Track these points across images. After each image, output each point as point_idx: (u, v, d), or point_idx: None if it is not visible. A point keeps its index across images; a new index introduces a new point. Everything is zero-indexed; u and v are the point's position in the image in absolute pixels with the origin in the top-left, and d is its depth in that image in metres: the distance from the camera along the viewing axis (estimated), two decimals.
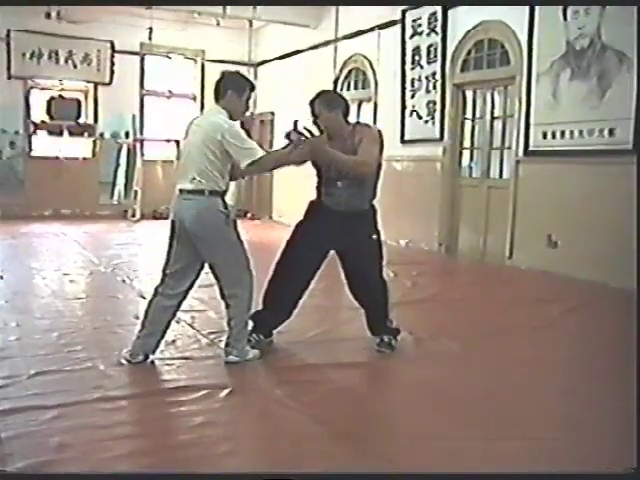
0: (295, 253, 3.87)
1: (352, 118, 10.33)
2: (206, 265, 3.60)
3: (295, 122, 3.58)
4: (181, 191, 3.52)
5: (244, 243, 3.61)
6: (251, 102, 3.72)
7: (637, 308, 4.68)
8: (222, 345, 3.73)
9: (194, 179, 3.46)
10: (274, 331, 4.00)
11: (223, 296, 3.61)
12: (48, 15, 10.61)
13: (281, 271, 3.89)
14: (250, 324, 3.77)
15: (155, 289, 3.64)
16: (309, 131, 3.61)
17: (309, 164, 3.88)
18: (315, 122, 3.82)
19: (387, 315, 4.01)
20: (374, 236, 3.94)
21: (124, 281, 5.95)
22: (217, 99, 3.56)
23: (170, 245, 3.58)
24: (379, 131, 3.97)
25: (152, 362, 3.61)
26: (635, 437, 2.47)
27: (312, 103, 3.81)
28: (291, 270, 3.87)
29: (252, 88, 3.63)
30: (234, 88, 3.53)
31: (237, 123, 3.49)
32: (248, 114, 11.34)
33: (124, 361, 3.56)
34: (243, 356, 3.61)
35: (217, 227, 3.48)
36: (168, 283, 3.58)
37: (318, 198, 3.95)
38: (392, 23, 8.81)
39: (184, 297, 3.65)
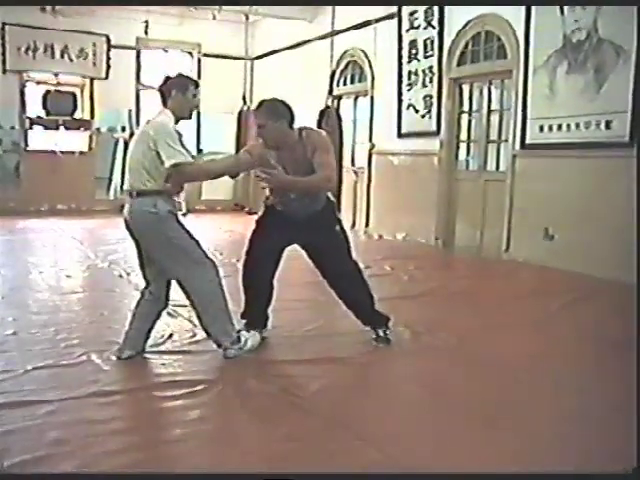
0: (256, 252, 3.84)
1: (349, 112, 10.34)
2: None
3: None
4: (127, 191, 3.54)
5: (194, 236, 3.55)
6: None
7: (637, 302, 4.66)
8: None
9: (134, 179, 3.48)
10: (267, 325, 4.01)
11: (184, 291, 3.59)
12: (43, 9, 10.56)
13: (247, 270, 3.88)
14: (238, 324, 3.79)
15: (141, 291, 3.70)
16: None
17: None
18: (259, 134, 3.69)
19: (373, 300, 4.02)
20: (337, 227, 3.92)
21: (120, 276, 5.94)
22: (165, 103, 3.53)
23: (136, 247, 3.64)
24: (326, 135, 3.91)
25: (148, 357, 3.62)
26: (635, 436, 2.46)
27: (255, 112, 3.70)
28: (255, 269, 3.85)
29: (196, 85, 3.59)
30: (177, 87, 3.52)
31: (171, 125, 3.42)
32: (245, 108, 11.36)
33: (114, 357, 3.56)
34: (243, 348, 3.61)
35: (149, 227, 3.46)
36: (150, 284, 3.63)
37: (270, 201, 3.87)
38: (389, 17, 8.78)
39: (166, 296, 3.66)
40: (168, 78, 3.59)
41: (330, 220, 3.93)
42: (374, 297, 4.04)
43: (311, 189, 3.74)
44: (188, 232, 3.56)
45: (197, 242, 3.56)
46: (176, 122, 3.51)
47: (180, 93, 3.51)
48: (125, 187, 3.55)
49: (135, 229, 3.52)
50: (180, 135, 3.46)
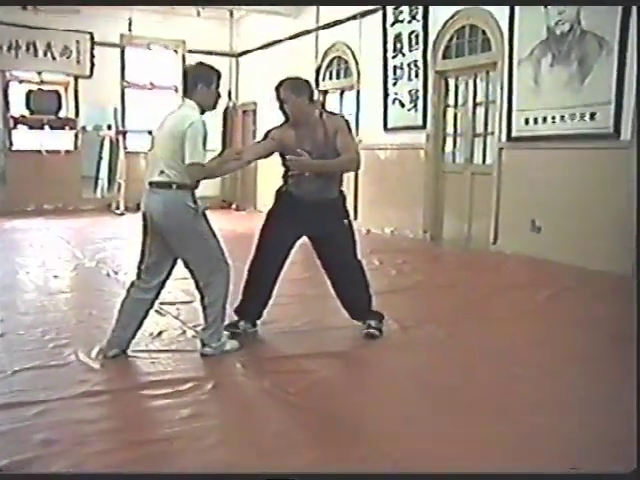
0: (267, 245, 3.88)
1: (335, 107, 10.33)
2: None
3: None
4: (150, 184, 3.49)
5: (217, 235, 3.58)
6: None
7: (637, 295, 4.69)
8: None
9: (162, 172, 3.43)
10: (258, 321, 4.02)
11: (198, 288, 3.59)
12: (25, 7, 10.45)
13: (256, 262, 3.91)
14: (228, 318, 3.77)
15: (131, 283, 3.64)
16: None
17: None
18: (281, 108, 3.79)
19: (370, 298, 4.03)
20: (345, 221, 3.96)
21: (109, 275, 5.92)
22: (187, 94, 3.53)
23: (143, 238, 3.57)
24: (347, 120, 3.98)
25: (137, 355, 3.60)
26: (635, 436, 2.47)
27: (278, 89, 3.79)
28: (264, 262, 3.89)
29: (219, 76, 3.59)
30: (203, 80, 3.50)
31: (201, 123, 3.41)
32: (231, 104, 11.34)
33: (100, 356, 3.53)
34: (220, 348, 3.59)
35: (185, 221, 3.45)
36: (143, 277, 3.57)
37: (284, 187, 3.92)
38: (373, 11, 8.78)
39: (159, 291, 3.64)
40: (191, 69, 3.60)
41: (340, 212, 3.96)
42: (372, 297, 4.05)
43: (339, 170, 3.90)
44: (213, 231, 3.58)
45: (219, 242, 3.59)
46: (201, 113, 3.50)
47: (206, 87, 3.51)
48: (154, 179, 3.46)
49: (166, 221, 3.44)
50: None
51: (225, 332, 3.73)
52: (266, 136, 3.89)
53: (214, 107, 3.60)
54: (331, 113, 4.01)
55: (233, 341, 3.73)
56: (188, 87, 3.52)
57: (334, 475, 2.36)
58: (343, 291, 4.03)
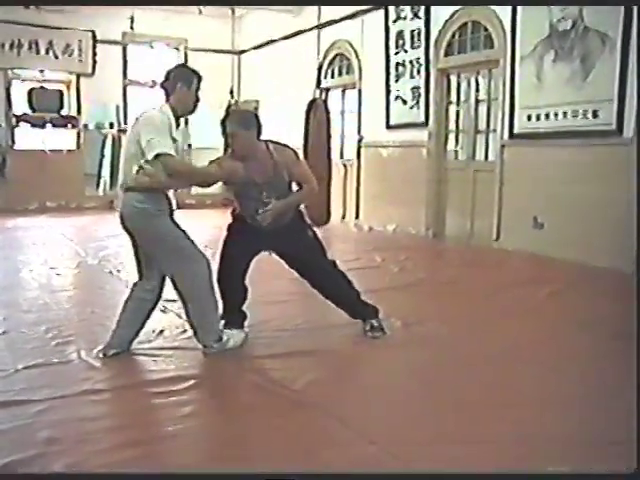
0: (229, 258, 3.83)
1: (337, 104, 10.32)
2: None
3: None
4: (121, 186, 3.51)
5: (185, 233, 3.54)
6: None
7: (637, 293, 4.68)
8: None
9: (121, 175, 3.48)
10: (245, 323, 3.97)
11: (175, 288, 3.58)
12: (27, 5, 10.45)
13: (222, 274, 3.84)
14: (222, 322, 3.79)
15: (134, 284, 3.66)
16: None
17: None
18: (226, 142, 3.73)
19: (358, 293, 4.04)
20: (308, 231, 3.96)
21: (111, 273, 5.93)
22: (167, 96, 3.49)
23: (130, 241, 3.61)
24: (294, 150, 3.95)
25: (139, 353, 3.61)
26: (635, 436, 2.47)
27: (224, 122, 3.72)
28: (229, 274, 3.85)
29: (199, 79, 3.55)
30: (182, 80, 3.48)
31: (163, 120, 3.35)
32: (233, 102, 11.32)
33: (100, 355, 3.53)
34: (223, 346, 3.58)
35: (140, 223, 3.45)
36: (143, 278, 3.60)
37: (237, 217, 3.88)
38: (375, 8, 8.77)
39: (160, 292, 3.64)
40: (170, 71, 3.56)
41: (300, 227, 3.96)
42: (358, 291, 4.05)
43: (303, 202, 3.98)
44: (180, 228, 3.54)
45: (189, 239, 3.54)
46: (178, 118, 3.46)
47: (185, 86, 3.48)
48: (119, 182, 3.52)
49: (127, 224, 3.49)
50: (170, 127, 3.38)
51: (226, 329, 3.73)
52: (215, 161, 3.80)
53: (193, 111, 3.56)
54: (276, 143, 3.90)
55: (237, 334, 3.73)
56: (168, 87, 3.48)
57: (334, 475, 2.36)
58: (328, 295, 4.05)
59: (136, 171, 3.37)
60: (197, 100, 3.55)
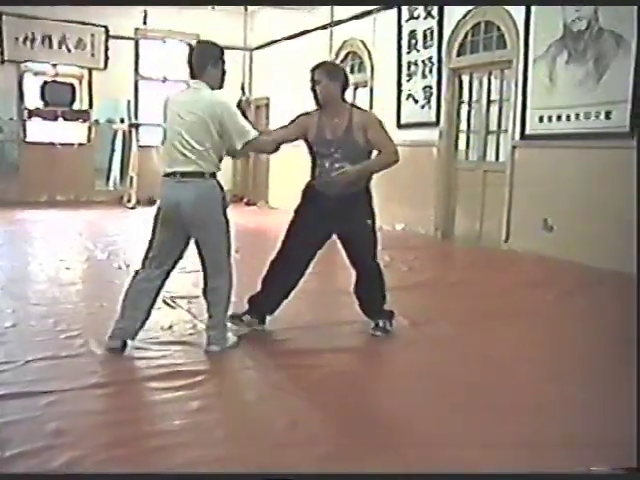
0: (292, 242, 3.86)
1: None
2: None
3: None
4: (174, 174, 3.42)
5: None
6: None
7: (637, 295, 4.66)
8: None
9: (191, 161, 3.38)
10: (268, 317, 3.99)
11: (205, 281, 3.57)
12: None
13: (279, 259, 3.89)
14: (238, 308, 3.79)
15: (135, 272, 3.60)
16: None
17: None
18: (313, 89, 3.80)
19: (384, 298, 4.02)
20: (369, 221, 3.92)
21: (120, 267, 5.94)
22: (195, 75, 3.47)
23: (154, 231, 3.53)
24: (378, 118, 3.97)
25: (148, 348, 3.61)
26: (635, 436, 2.46)
27: (313, 70, 3.82)
28: (287, 259, 3.86)
29: (222, 52, 3.54)
30: (211, 60, 3.48)
31: (230, 101, 3.46)
32: (244, 98, 11.33)
33: (105, 348, 3.51)
34: (223, 345, 3.57)
35: (216, 210, 3.46)
36: (147, 266, 3.54)
37: (312, 180, 3.91)
38: (388, 7, 8.75)
39: (163, 281, 3.58)
40: (195, 48, 3.57)
41: (365, 211, 3.91)
42: (386, 298, 4.04)
43: (380, 168, 3.89)
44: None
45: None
46: None
47: (214, 67, 3.49)
48: (181, 168, 3.40)
49: (199, 212, 3.41)
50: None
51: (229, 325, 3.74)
52: (293, 121, 3.91)
53: (221, 86, 3.56)
54: (361, 109, 4.01)
55: (233, 337, 3.71)
56: (196, 68, 3.46)
57: (334, 475, 2.35)
58: (359, 290, 4.03)
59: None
60: (224, 74, 3.57)
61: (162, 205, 3.51)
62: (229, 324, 3.74)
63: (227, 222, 3.54)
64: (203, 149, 3.38)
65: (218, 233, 3.51)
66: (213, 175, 3.44)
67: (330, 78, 3.76)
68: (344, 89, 3.85)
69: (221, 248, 3.53)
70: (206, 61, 3.46)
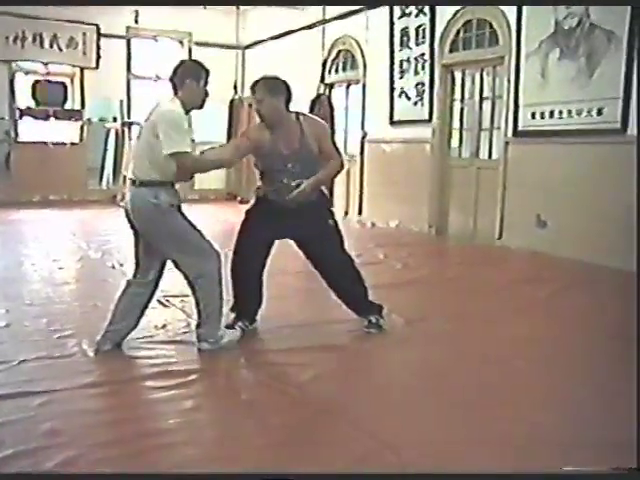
0: (246, 245, 3.81)
1: (341, 100, 10.30)
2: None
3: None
4: (128, 180, 3.48)
5: (196, 228, 3.51)
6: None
7: (637, 292, 4.67)
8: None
9: (132, 168, 3.43)
10: (257, 317, 3.98)
11: (188, 282, 3.56)
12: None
13: (237, 263, 3.83)
14: (227, 314, 3.76)
15: (127, 282, 3.62)
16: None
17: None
18: (257, 109, 3.70)
19: (366, 290, 4.01)
20: (330, 221, 3.91)
21: (113, 267, 5.93)
22: (175, 90, 3.46)
23: (133, 234, 3.57)
24: (325, 124, 3.94)
25: (141, 347, 3.61)
26: (635, 436, 2.47)
27: (253, 88, 3.71)
28: (245, 262, 3.83)
29: (207, 73, 3.52)
30: (191, 76, 3.45)
31: (181, 116, 3.35)
32: (237, 97, 11.30)
33: (93, 350, 3.51)
34: (217, 342, 3.55)
35: (151, 218, 3.41)
36: (138, 272, 3.57)
37: (262, 192, 3.83)
38: (380, 4, 8.74)
39: (154, 287, 3.61)
40: (179, 65, 3.53)
41: (323, 213, 3.91)
42: (367, 288, 4.04)
43: (330, 178, 3.93)
44: (191, 224, 3.51)
45: (200, 233, 3.52)
46: (187, 112, 3.43)
47: (195, 82, 3.45)
48: (129, 175, 3.47)
49: (136, 219, 3.45)
50: (189, 124, 3.39)
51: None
52: (243, 136, 3.83)
53: (201, 106, 3.52)
54: (308, 116, 3.90)
55: (233, 331, 3.71)
56: (176, 82, 3.46)
57: (334, 475, 2.36)
58: (337, 286, 4.01)
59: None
60: (205, 95, 3.52)
61: (125, 210, 3.54)
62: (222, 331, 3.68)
63: (178, 223, 3.45)
64: (140, 157, 3.41)
65: (165, 239, 3.44)
66: (145, 183, 3.36)
67: (272, 94, 3.63)
68: (288, 101, 3.70)
69: (180, 250, 3.46)
70: (185, 76, 3.44)
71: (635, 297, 4.48)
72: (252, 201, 3.97)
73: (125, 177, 11.12)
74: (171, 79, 3.49)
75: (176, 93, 3.47)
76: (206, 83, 3.51)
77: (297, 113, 3.78)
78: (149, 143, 3.35)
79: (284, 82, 3.74)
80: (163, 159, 3.31)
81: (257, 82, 3.72)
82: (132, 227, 3.53)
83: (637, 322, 3.85)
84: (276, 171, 3.71)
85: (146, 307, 3.65)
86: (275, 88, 3.67)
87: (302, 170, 3.68)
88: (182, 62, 3.63)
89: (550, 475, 2.36)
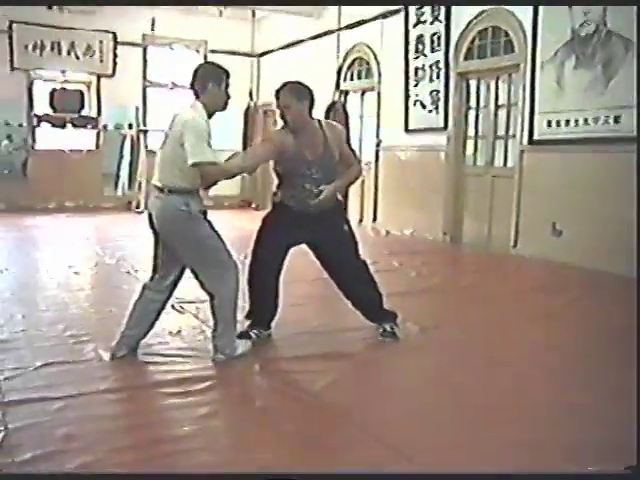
0: (264, 252, 3.80)
1: (356, 107, 10.30)
2: None
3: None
4: (154, 187, 3.46)
5: (221, 237, 3.49)
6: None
7: (637, 297, 4.64)
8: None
9: (160, 176, 3.42)
10: (272, 324, 3.97)
11: (205, 290, 3.54)
12: (50, 6, 10.56)
13: (254, 270, 3.84)
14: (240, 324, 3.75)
15: (143, 285, 3.63)
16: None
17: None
18: (281, 114, 3.69)
19: (380, 296, 4.01)
20: (345, 227, 3.92)
21: (129, 273, 5.96)
22: (197, 94, 3.44)
23: (154, 240, 3.55)
24: (342, 128, 3.98)
25: (157, 353, 3.62)
26: (635, 435, 2.45)
27: (278, 93, 3.71)
28: (262, 269, 3.83)
29: (228, 75, 3.49)
30: (213, 79, 3.42)
31: (205, 124, 3.33)
32: (252, 104, 11.34)
33: (109, 356, 3.52)
34: (232, 353, 3.53)
35: (180, 226, 3.40)
36: (155, 278, 3.56)
37: (280, 199, 3.82)
38: (395, 12, 8.76)
39: (170, 293, 3.61)
40: (199, 69, 3.50)
41: (339, 220, 3.92)
42: (382, 295, 4.03)
43: (352, 183, 4.02)
44: (217, 232, 3.50)
45: (224, 244, 3.50)
46: (210, 116, 3.41)
47: (217, 86, 3.43)
48: (154, 182, 3.45)
49: (162, 226, 3.43)
50: (210, 132, 3.36)
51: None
52: (265, 140, 3.84)
53: (224, 108, 3.50)
54: (329, 122, 3.93)
55: (246, 341, 3.70)
56: (198, 87, 3.43)
57: (334, 475, 2.36)
58: (351, 292, 4.00)
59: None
60: (228, 97, 3.50)
61: (149, 215, 3.54)
62: (238, 341, 3.67)
63: (204, 232, 3.44)
64: (167, 164, 3.39)
65: (189, 247, 3.43)
66: (174, 191, 3.35)
67: (299, 99, 3.65)
68: (311, 107, 3.71)
69: (201, 260, 3.46)
70: (206, 80, 3.42)
71: None
72: (269, 207, 3.97)
73: (140, 184, 11.29)
74: (192, 84, 3.47)
75: (197, 97, 3.44)
76: (227, 85, 3.49)
77: (319, 120, 3.82)
78: (175, 150, 3.33)
79: (308, 87, 3.75)
80: (189, 168, 3.30)
81: (282, 87, 3.73)
82: (154, 233, 3.52)
83: (637, 323, 3.83)
84: (299, 176, 3.71)
85: (160, 312, 3.65)
86: (301, 93, 3.69)
87: (324, 176, 3.71)
88: (201, 65, 3.62)
89: (550, 475, 2.36)
